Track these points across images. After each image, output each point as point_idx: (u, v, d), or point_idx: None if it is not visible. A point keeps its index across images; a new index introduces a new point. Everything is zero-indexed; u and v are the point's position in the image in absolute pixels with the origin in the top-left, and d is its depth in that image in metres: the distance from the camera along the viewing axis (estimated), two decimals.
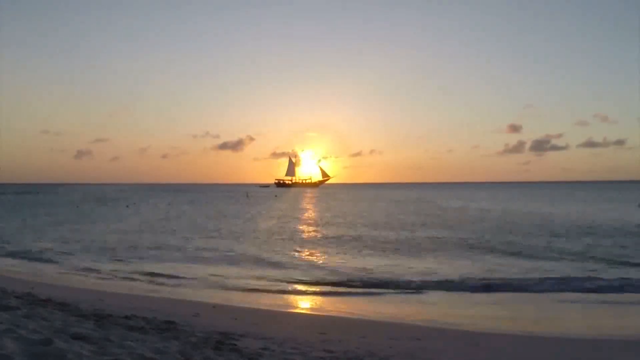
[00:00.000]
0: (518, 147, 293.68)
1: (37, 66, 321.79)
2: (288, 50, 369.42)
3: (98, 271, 18.81)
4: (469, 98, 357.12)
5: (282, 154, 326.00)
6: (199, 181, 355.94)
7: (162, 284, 16.52)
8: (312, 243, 27.39)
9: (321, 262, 20.94)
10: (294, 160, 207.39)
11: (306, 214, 52.07)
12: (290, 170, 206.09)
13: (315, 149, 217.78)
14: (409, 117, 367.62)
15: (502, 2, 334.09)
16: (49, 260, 21.28)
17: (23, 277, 16.43)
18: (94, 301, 11.04)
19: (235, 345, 7.38)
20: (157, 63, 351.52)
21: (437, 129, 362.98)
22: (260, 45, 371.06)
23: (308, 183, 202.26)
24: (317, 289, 15.70)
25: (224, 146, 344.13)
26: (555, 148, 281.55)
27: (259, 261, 20.96)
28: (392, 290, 15.33)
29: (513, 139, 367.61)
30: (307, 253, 23.59)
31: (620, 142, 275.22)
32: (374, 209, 60.23)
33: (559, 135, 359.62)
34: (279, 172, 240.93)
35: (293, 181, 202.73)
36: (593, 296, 14.46)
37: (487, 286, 15.55)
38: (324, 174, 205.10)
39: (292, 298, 14.72)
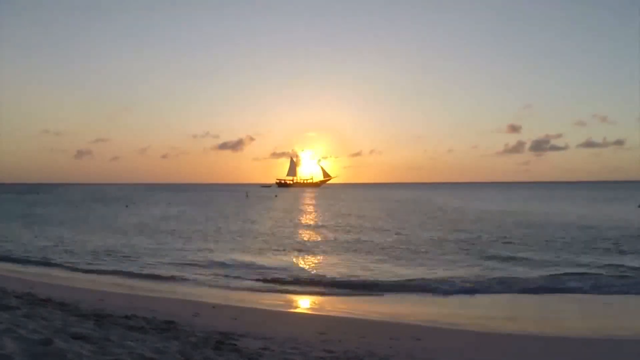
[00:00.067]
0: (517, 147, 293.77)
1: (37, 66, 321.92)
2: (288, 50, 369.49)
3: (98, 271, 18.81)
4: (469, 98, 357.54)
5: (282, 154, 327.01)
6: (199, 181, 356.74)
7: (161, 283, 16.52)
8: (311, 243, 27.38)
9: (320, 262, 20.92)
10: (295, 160, 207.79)
11: (305, 215, 52.03)
12: (292, 170, 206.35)
13: (315, 149, 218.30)
14: (408, 117, 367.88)
15: (502, 2, 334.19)
16: (48, 260, 21.27)
17: (23, 276, 16.43)
18: (93, 301, 11.04)
19: (235, 345, 7.38)
20: (157, 63, 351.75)
21: (436, 129, 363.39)
22: (260, 45, 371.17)
23: (309, 183, 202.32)
24: (317, 289, 15.69)
25: (224, 146, 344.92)
26: (554, 148, 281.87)
27: (257, 261, 20.93)
28: (391, 291, 15.33)
29: (512, 139, 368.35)
30: (306, 253, 23.57)
31: (619, 142, 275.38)
32: (374, 209, 60.22)
33: (559, 136, 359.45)
34: (279, 172, 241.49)
35: (294, 181, 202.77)
36: (593, 296, 14.47)
37: (483, 287, 15.55)
38: (325, 174, 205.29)
39: (292, 298, 14.71)
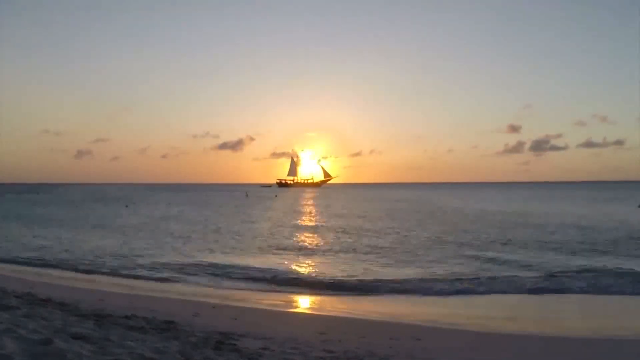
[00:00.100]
0: (517, 147, 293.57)
1: (37, 66, 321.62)
2: (288, 50, 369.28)
3: (98, 271, 18.81)
4: (469, 98, 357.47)
5: (282, 154, 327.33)
6: (199, 181, 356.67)
7: (161, 283, 16.52)
8: (310, 243, 27.38)
9: (320, 262, 20.92)
10: (295, 160, 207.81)
11: (304, 215, 52.02)
12: (292, 170, 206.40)
13: (315, 149, 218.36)
14: (408, 117, 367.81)
15: (502, 2, 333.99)
16: (48, 260, 21.27)
17: (23, 276, 16.43)
18: (93, 301, 11.05)
19: (235, 345, 7.38)
20: (157, 63, 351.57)
21: (436, 129, 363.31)
22: (260, 45, 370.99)
23: (310, 183, 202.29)
24: (317, 289, 15.68)
25: (224, 146, 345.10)
26: (554, 148, 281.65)
27: (257, 261, 20.93)
28: (390, 292, 15.32)
29: (512, 139, 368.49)
30: (306, 253, 23.58)
31: (619, 142, 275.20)
32: (373, 209, 60.21)
33: (559, 136, 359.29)
34: (279, 172, 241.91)
35: (295, 181, 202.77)
36: (593, 296, 14.47)
37: (483, 287, 15.55)
38: (326, 174, 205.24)
39: (292, 298, 14.70)
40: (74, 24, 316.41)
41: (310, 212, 55.06)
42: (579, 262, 19.67)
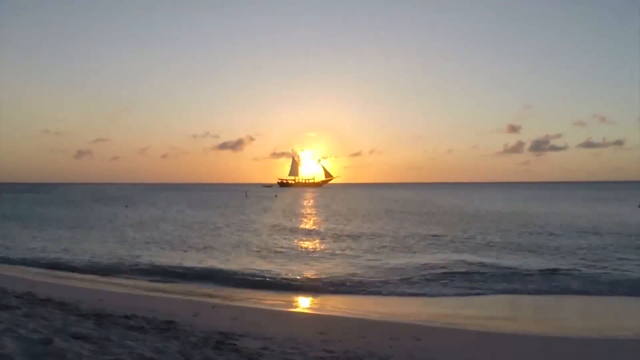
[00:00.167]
0: (517, 147, 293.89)
1: (37, 66, 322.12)
2: (288, 50, 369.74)
3: (97, 270, 18.79)
4: (469, 98, 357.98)
5: (282, 154, 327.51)
6: (199, 181, 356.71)
7: (161, 283, 16.51)
8: (309, 244, 27.38)
9: (319, 263, 20.91)
10: (296, 160, 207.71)
11: (303, 215, 52.01)
12: (293, 170, 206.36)
13: (315, 149, 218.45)
14: (408, 117, 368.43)
15: (502, 2, 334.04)
16: (48, 260, 21.25)
17: (23, 276, 16.43)
18: (93, 301, 11.04)
19: (235, 345, 7.38)
20: (157, 63, 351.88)
21: (436, 129, 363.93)
22: (260, 45, 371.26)
23: (311, 183, 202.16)
24: (317, 289, 15.67)
25: (223, 146, 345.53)
26: (554, 148, 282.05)
27: (256, 261, 20.94)
28: (389, 293, 15.33)
29: (512, 139, 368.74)
30: (305, 253, 23.58)
31: (619, 143, 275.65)
32: (373, 209, 60.19)
33: (558, 136, 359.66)
34: (279, 172, 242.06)
35: (296, 181, 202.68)
36: (592, 296, 14.47)
37: (483, 287, 15.55)
38: (327, 174, 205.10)
39: (292, 298, 14.70)
40: (74, 24, 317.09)
41: (310, 213, 55.04)
42: (578, 262, 19.67)
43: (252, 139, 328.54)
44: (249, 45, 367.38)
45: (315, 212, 55.94)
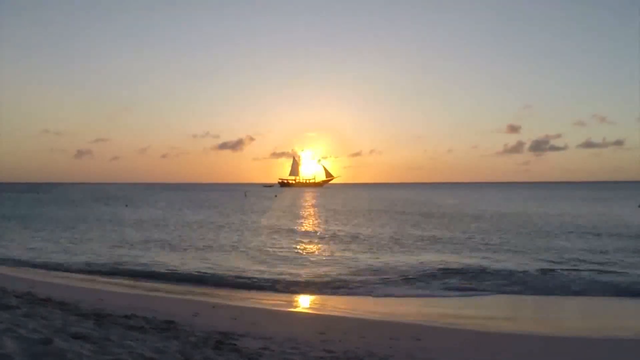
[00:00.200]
0: (517, 148, 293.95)
1: (37, 66, 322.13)
2: (288, 50, 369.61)
3: (97, 270, 18.79)
4: (469, 98, 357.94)
5: (282, 154, 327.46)
6: (198, 181, 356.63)
7: (161, 283, 16.50)
8: (308, 243, 27.38)
9: (319, 263, 20.92)
10: (297, 160, 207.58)
11: (302, 216, 52.01)
12: (294, 170, 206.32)
13: (315, 149, 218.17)
14: (408, 117, 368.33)
15: (502, 2, 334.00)
16: (48, 259, 21.25)
17: (23, 276, 16.42)
18: (93, 300, 11.04)
19: (235, 345, 7.38)
20: (157, 63, 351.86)
21: (436, 129, 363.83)
22: (260, 45, 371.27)
23: (312, 183, 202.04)
24: (317, 289, 15.67)
25: (223, 146, 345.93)
26: (554, 148, 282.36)
27: (254, 262, 20.94)
28: (389, 293, 15.33)
29: (512, 139, 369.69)
30: (304, 253, 23.58)
31: (619, 143, 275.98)
32: (373, 210, 60.19)
33: (558, 136, 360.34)
34: (279, 172, 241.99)
35: (296, 181, 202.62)
36: (592, 296, 14.46)
37: (483, 287, 15.55)
38: (328, 174, 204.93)
39: (292, 298, 14.70)
40: (74, 24, 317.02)
41: (309, 213, 55.03)
42: (578, 262, 19.68)
43: (252, 139, 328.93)
44: (249, 45, 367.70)
45: (315, 212, 55.94)
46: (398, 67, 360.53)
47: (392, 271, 18.17)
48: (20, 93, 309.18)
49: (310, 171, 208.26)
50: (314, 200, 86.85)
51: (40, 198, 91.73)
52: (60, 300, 10.31)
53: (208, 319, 9.83)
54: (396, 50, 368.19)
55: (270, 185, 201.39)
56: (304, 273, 18.16)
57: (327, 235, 30.47)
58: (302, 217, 47.02)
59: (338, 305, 13.56)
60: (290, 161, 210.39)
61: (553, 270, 17.82)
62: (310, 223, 40.45)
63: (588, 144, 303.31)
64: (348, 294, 15.02)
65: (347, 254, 22.86)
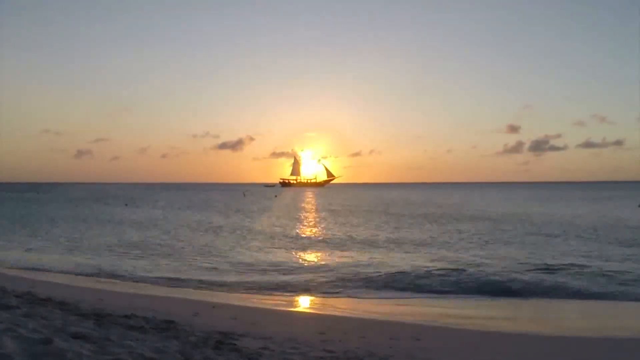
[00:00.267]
0: (517, 148, 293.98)
1: (37, 66, 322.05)
2: (288, 50, 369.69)
3: (97, 270, 18.78)
4: (469, 98, 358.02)
5: (282, 154, 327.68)
6: (199, 181, 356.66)
7: (161, 283, 16.50)
8: (307, 244, 27.39)
9: (319, 262, 20.92)
10: (298, 159, 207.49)
11: (302, 217, 52.01)
12: (295, 170, 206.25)
13: (314, 149, 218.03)
14: (408, 117, 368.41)
15: (502, 2, 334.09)
16: (48, 259, 21.23)
17: (23, 276, 16.42)
18: (93, 300, 11.04)
19: (235, 344, 7.37)
20: (157, 63, 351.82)
21: (436, 129, 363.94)
22: (260, 45, 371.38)
23: (313, 183, 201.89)
24: (317, 290, 15.67)
25: (223, 146, 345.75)
26: (554, 148, 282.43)
27: (254, 261, 20.93)
28: (389, 293, 15.33)
29: (512, 139, 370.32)
30: (305, 253, 23.58)
31: (619, 143, 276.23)
32: (372, 211, 60.18)
33: (558, 136, 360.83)
34: (279, 171, 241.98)
35: (297, 181, 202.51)
36: (592, 297, 14.44)
37: (483, 287, 15.55)
38: (329, 174, 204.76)
39: (292, 298, 14.69)
40: (74, 24, 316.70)
41: (309, 214, 55.01)
42: (578, 262, 19.66)
43: (252, 139, 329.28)
44: (249, 45, 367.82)
45: (314, 212, 55.93)
46: (398, 67, 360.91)
47: (392, 271, 18.15)
48: (20, 93, 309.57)
49: (312, 171, 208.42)
50: (315, 201, 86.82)
51: (40, 198, 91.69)
52: (60, 300, 10.31)
53: (208, 319, 9.82)
54: (396, 50, 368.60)
55: (271, 185, 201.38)
56: (303, 273, 18.15)
57: (326, 236, 30.48)
58: (302, 218, 47.01)
59: (338, 305, 13.55)
60: (290, 161, 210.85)
61: (553, 270, 17.80)
62: (310, 224, 40.44)
63: (588, 144, 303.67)
64: (348, 294, 15.01)
65: (347, 254, 22.85)
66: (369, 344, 8.39)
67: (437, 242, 26.22)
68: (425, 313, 12.57)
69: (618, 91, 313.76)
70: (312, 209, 61.87)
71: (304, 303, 14.23)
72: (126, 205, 65.81)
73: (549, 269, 17.89)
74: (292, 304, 14.06)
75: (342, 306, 13.37)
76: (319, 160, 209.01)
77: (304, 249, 24.88)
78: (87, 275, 17.72)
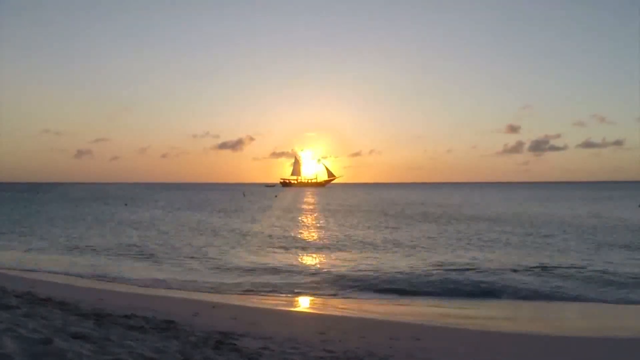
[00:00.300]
0: (517, 148, 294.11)
1: (37, 66, 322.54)
2: (288, 50, 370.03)
3: (97, 270, 18.77)
4: (469, 98, 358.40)
5: (282, 154, 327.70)
6: (198, 181, 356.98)
7: (160, 283, 16.49)
8: (306, 244, 27.37)
9: (318, 263, 20.92)
10: (299, 159, 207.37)
11: (302, 217, 52.00)
12: (296, 170, 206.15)
13: (314, 149, 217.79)
14: (408, 117, 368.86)
15: (502, 2, 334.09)
16: (48, 259, 21.23)
17: (23, 276, 16.41)
18: (93, 300, 11.04)
19: (235, 344, 7.37)
20: (157, 63, 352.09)
21: (436, 129, 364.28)
22: (260, 45, 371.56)
23: (313, 183, 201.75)
24: (317, 290, 15.66)
25: (223, 146, 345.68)
26: (553, 148, 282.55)
27: (253, 262, 20.92)
28: (389, 293, 15.32)
29: (512, 139, 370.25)
30: (304, 253, 23.57)
31: (618, 143, 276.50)
32: (372, 211, 60.17)
33: (558, 136, 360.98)
34: (279, 171, 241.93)
35: (298, 181, 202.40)
36: (592, 297, 14.45)
37: (482, 287, 15.55)
38: (330, 174, 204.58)
39: (292, 298, 14.68)
40: (74, 24, 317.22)
41: (309, 214, 55.00)
42: (578, 262, 19.65)
43: (252, 139, 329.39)
44: (249, 45, 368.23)
45: (314, 212, 55.91)
46: (398, 67, 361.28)
47: (392, 271, 18.15)
48: (20, 93, 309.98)
49: (312, 171, 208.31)
50: (315, 201, 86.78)
51: (40, 198, 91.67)
52: (60, 300, 10.31)
53: (208, 319, 9.83)
54: (396, 50, 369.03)
55: (272, 185, 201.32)
56: (303, 273, 18.14)
57: (326, 236, 30.46)
58: (302, 219, 47.00)
59: (338, 305, 13.55)
60: (290, 161, 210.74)
61: (553, 270, 17.80)
62: (310, 224, 40.43)
63: (588, 144, 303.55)
64: (348, 294, 15.01)
65: (348, 254, 22.84)
66: (369, 344, 8.40)
67: (437, 243, 26.20)
68: (425, 313, 12.57)
69: (618, 91, 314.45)
70: (312, 209, 61.86)
71: (304, 303, 14.23)
72: (126, 205, 65.81)
73: (549, 270, 17.89)
74: (292, 304, 14.06)
75: (342, 306, 13.37)
76: (319, 160, 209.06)
77: (303, 249, 24.86)
78: (87, 275, 17.72)
